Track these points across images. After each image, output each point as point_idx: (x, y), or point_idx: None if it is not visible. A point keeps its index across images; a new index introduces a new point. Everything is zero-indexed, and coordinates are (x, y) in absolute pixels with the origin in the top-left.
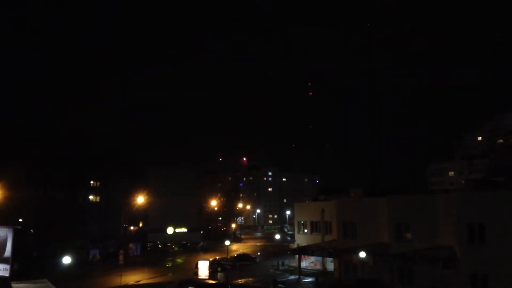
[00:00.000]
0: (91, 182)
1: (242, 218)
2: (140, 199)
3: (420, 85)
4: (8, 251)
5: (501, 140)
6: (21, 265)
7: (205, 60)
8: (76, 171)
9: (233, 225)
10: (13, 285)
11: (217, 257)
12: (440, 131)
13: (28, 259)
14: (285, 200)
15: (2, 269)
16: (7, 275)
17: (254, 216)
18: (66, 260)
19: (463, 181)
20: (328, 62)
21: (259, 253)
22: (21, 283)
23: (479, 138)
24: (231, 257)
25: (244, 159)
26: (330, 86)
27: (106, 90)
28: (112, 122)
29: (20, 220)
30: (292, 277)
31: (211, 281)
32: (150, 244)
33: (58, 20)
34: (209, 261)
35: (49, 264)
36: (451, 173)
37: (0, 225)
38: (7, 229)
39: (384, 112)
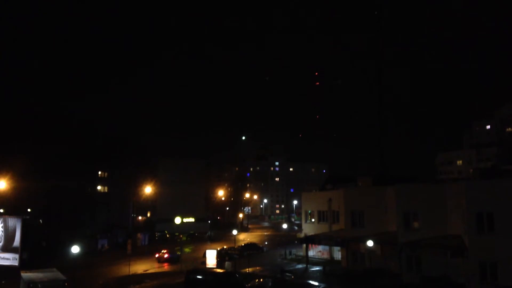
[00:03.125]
0: (99, 172)
1: (249, 208)
2: (148, 189)
3: (428, 73)
4: (17, 241)
5: (510, 129)
6: (30, 254)
7: (214, 52)
8: (84, 162)
9: (240, 215)
10: (22, 274)
11: (225, 247)
12: (448, 119)
13: (37, 248)
14: (292, 190)
15: (11, 258)
16: (17, 264)
17: (261, 206)
18: (75, 249)
19: (471, 170)
20: (335, 51)
21: (266, 243)
22: (30, 272)
23: (488, 127)
24: (239, 246)
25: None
26: (337, 75)
27: (116, 81)
28: (120, 113)
29: (29, 210)
30: (299, 266)
31: (218, 270)
32: (158, 233)
33: (75, 11)
34: (217, 250)
35: (58, 254)
36: (460, 162)
37: (9, 215)
38: (16, 219)
39: (392, 100)
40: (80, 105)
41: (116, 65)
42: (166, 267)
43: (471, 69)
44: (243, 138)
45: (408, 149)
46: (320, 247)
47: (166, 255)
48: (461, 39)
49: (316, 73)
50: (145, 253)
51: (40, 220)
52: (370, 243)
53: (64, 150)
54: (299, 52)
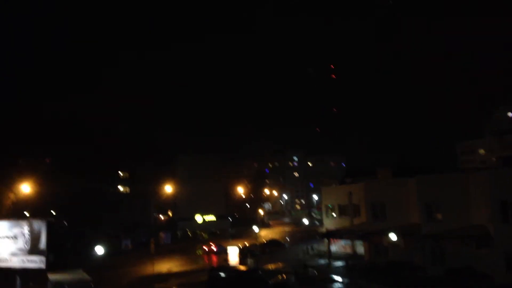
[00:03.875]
0: (120, 173)
1: (270, 204)
2: (168, 188)
3: (447, 59)
4: (43, 243)
5: None
6: (56, 256)
7: (228, 45)
8: (105, 163)
9: (261, 211)
10: (49, 275)
11: (246, 243)
12: (468, 106)
13: (63, 250)
14: (312, 185)
15: (38, 261)
16: (44, 266)
17: (282, 202)
18: (99, 250)
19: (494, 159)
20: (348, 38)
21: (287, 238)
22: (57, 274)
23: (510, 114)
24: (260, 243)
25: None
26: (353, 64)
27: (132, 79)
28: (138, 111)
29: (53, 212)
30: (322, 261)
31: (241, 267)
32: (180, 232)
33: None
34: (239, 247)
35: (83, 254)
36: (482, 151)
37: (34, 218)
38: (40, 221)
39: (411, 88)
40: (97, 104)
41: (132, 62)
42: (214, 259)
43: (490, 53)
44: (261, 133)
45: (428, 138)
46: (342, 242)
47: (214, 248)
48: (479, 23)
49: (332, 66)
50: (168, 251)
51: (65, 222)
52: (392, 236)
53: (85, 151)
54: (315, 45)
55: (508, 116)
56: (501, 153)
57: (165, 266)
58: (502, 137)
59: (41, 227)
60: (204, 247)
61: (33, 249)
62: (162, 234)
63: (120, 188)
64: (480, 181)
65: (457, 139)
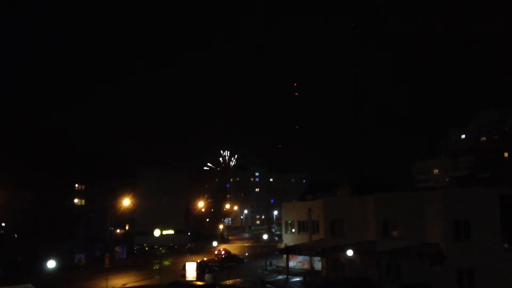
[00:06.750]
0: (76, 185)
1: (230, 219)
2: (126, 202)
3: (405, 81)
4: None
5: (484, 138)
6: (5, 270)
7: (189, 61)
8: (60, 174)
9: (221, 226)
10: None
11: (205, 259)
12: (425, 128)
13: (12, 264)
14: (272, 201)
15: None
16: None
17: (242, 217)
18: (51, 264)
19: (447, 179)
20: (312, 56)
21: (247, 254)
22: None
23: (463, 136)
24: (219, 258)
25: None
26: (315, 83)
27: (93, 90)
28: (98, 123)
29: (3, 224)
30: (280, 277)
31: (198, 283)
32: (136, 247)
33: (47, 18)
34: (197, 262)
35: (34, 269)
36: (436, 171)
37: None
38: None
39: (370, 108)
40: (56, 114)
41: (95, 73)
42: None
43: (450, 73)
44: (223, 147)
45: (387, 157)
46: (300, 258)
47: (223, 253)
48: (442, 44)
49: (295, 84)
50: (124, 266)
51: (15, 235)
52: (349, 252)
53: (40, 162)
54: (276, 61)
55: (461, 138)
56: (454, 173)
57: (120, 281)
58: (456, 158)
59: None
60: (215, 252)
61: None
62: (117, 249)
63: (76, 201)
64: (434, 200)
65: (415, 159)
